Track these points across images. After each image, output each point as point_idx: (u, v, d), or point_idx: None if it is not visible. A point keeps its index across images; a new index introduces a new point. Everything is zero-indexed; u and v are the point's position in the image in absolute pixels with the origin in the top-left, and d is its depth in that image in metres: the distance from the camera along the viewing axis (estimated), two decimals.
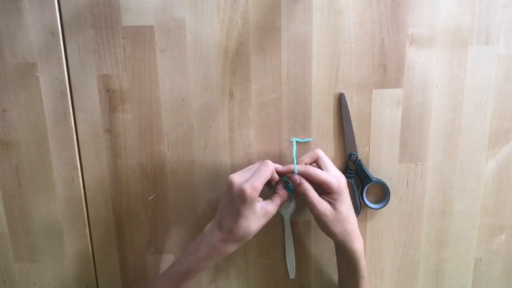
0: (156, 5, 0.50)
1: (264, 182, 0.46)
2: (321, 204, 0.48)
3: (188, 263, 0.48)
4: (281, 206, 0.50)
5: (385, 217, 0.57)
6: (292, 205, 0.53)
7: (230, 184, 0.46)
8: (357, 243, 0.50)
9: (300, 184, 0.48)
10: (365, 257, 0.52)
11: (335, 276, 0.59)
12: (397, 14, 0.51)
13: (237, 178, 0.46)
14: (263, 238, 0.58)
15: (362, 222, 0.57)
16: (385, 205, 0.56)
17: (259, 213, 0.46)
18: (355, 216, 0.50)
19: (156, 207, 0.56)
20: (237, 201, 0.45)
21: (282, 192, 0.49)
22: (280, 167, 0.50)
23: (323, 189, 0.49)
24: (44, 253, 0.57)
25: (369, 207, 0.55)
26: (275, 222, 0.57)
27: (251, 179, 0.46)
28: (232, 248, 0.47)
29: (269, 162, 0.48)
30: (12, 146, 0.53)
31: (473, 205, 0.57)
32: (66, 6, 0.49)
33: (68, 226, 0.56)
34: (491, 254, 0.59)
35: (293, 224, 0.57)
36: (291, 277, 0.58)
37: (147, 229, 0.57)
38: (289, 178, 0.50)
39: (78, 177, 0.54)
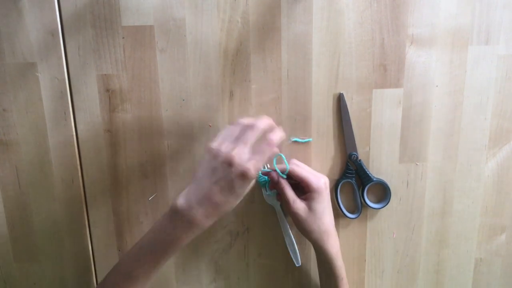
0: (156, 5, 0.50)
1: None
2: (295, 202, 0.49)
3: (163, 241, 0.44)
4: (268, 198, 0.54)
5: (385, 217, 0.57)
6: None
7: (229, 161, 0.42)
8: (331, 244, 0.50)
9: (278, 182, 0.50)
10: (341, 259, 0.52)
11: None
12: (397, 14, 0.51)
13: (238, 155, 0.42)
14: (263, 238, 0.58)
15: (362, 222, 0.57)
16: (386, 205, 0.56)
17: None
18: (332, 218, 0.51)
19: (156, 207, 0.56)
20: (236, 180, 0.42)
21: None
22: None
23: (303, 188, 0.50)
24: (44, 253, 0.57)
25: (370, 207, 0.55)
26: (274, 222, 0.57)
27: (254, 159, 0.42)
28: (211, 223, 0.44)
29: (274, 146, 0.44)
30: (12, 146, 0.53)
31: (473, 205, 0.57)
32: (66, 6, 0.49)
33: (68, 226, 0.56)
34: (491, 254, 0.59)
35: (290, 223, 0.57)
36: (296, 265, 0.57)
37: (147, 229, 0.57)
38: (268, 175, 0.51)
39: (78, 177, 0.54)
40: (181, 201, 0.44)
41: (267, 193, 0.54)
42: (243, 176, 0.41)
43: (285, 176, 0.50)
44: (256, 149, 0.43)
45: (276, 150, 0.44)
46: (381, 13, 0.50)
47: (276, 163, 0.51)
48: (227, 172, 0.42)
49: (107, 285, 0.47)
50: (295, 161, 0.53)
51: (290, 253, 0.57)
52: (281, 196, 0.51)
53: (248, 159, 0.42)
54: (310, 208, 0.49)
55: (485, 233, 0.58)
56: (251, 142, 0.43)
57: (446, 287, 0.60)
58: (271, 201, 0.55)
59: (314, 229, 0.49)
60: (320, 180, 0.50)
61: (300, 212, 0.49)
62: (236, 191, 0.43)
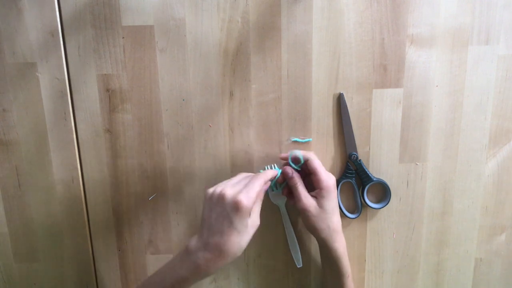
0: (156, 5, 0.50)
1: (259, 194, 0.45)
2: (307, 198, 0.49)
3: (172, 280, 0.44)
4: (274, 197, 0.54)
5: (385, 217, 0.57)
6: (283, 196, 0.54)
7: (221, 197, 0.43)
8: (338, 243, 0.51)
9: (292, 177, 0.50)
10: (347, 256, 0.53)
11: None
12: (397, 14, 0.51)
13: (229, 190, 0.43)
14: (263, 238, 0.58)
15: (362, 222, 0.57)
16: (386, 205, 0.56)
17: (250, 226, 0.44)
18: (339, 218, 0.51)
19: (156, 207, 0.56)
20: (231, 213, 0.42)
21: (259, 196, 0.48)
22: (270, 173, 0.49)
23: (313, 184, 0.50)
24: (44, 253, 0.57)
25: (370, 206, 0.55)
26: (274, 222, 0.57)
27: (245, 190, 0.43)
28: (219, 267, 0.43)
29: (261, 174, 0.47)
30: (12, 146, 0.53)
31: (473, 205, 0.57)
32: (66, 6, 0.49)
33: (68, 226, 0.56)
34: (491, 254, 0.59)
35: (293, 224, 0.57)
36: (298, 266, 0.57)
37: (147, 229, 0.57)
38: (282, 169, 0.51)
39: (78, 177, 0.54)
40: (192, 243, 0.45)
41: (274, 192, 0.54)
42: (237, 208, 0.42)
43: (299, 168, 0.50)
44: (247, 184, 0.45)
45: (264, 178, 0.46)
46: (381, 13, 0.50)
47: (292, 160, 0.51)
48: (222, 209, 0.43)
49: None
50: (313, 154, 0.52)
51: (292, 253, 0.57)
52: (292, 192, 0.51)
53: (240, 192, 0.43)
54: (320, 205, 0.49)
55: (485, 233, 0.58)
56: (243, 182, 0.45)
57: (446, 287, 0.60)
58: (277, 200, 0.55)
59: (324, 227, 0.49)
60: (330, 178, 0.50)
61: (311, 209, 0.49)
62: (235, 226, 0.42)
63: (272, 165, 0.53)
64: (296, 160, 0.51)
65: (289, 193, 0.52)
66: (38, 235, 0.56)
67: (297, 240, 0.57)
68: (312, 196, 0.50)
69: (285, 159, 0.52)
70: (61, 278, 0.58)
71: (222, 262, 0.43)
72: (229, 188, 0.44)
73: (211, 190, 0.45)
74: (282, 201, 0.55)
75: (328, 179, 0.49)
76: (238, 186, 0.45)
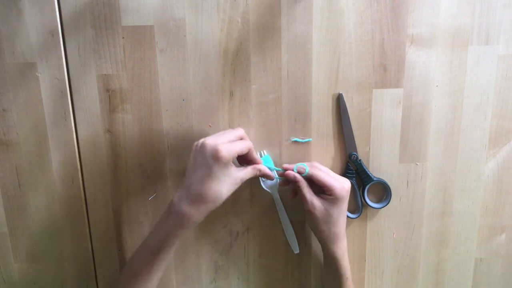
0: (156, 5, 0.50)
1: (239, 153, 0.46)
2: (313, 200, 0.49)
3: (159, 238, 0.47)
4: (266, 184, 0.55)
5: (385, 217, 0.57)
6: (275, 181, 0.54)
7: (203, 146, 0.44)
8: (338, 245, 0.51)
9: (296, 181, 0.50)
10: (348, 259, 0.53)
11: None
12: (397, 14, 0.51)
13: (210, 140, 0.45)
14: (263, 238, 0.58)
15: (362, 222, 0.57)
16: (387, 204, 0.56)
17: (232, 177, 0.45)
18: (344, 220, 0.51)
19: (156, 207, 0.56)
20: (210, 161, 0.43)
21: (259, 167, 0.49)
22: (257, 160, 0.50)
23: (324, 190, 0.50)
24: (44, 253, 0.57)
25: (371, 206, 0.55)
26: (274, 222, 0.57)
27: (228, 144, 0.45)
28: (201, 215, 0.45)
29: (248, 142, 0.48)
30: (12, 146, 0.53)
31: (473, 205, 0.57)
32: (66, 6, 0.49)
33: (68, 226, 0.56)
34: (491, 254, 0.59)
35: (293, 223, 0.57)
36: (295, 252, 0.57)
37: (147, 229, 0.57)
38: (285, 174, 0.51)
39: (78, 177, 0.54)
40: (175, 197, 0.46)
41: (266, 180, 0.54)
42: (215, 156, 0.43)
43: (295, 170, 0.50)
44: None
45: (250, 143, 0.48)
46: (381, 13, 0.50)
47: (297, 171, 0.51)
48: (203, 156, 0.44)
49: (119, 284, 0.50)
50: (316, 164, 0.52)
51: (288, 240, 0.57)
52: (298, 193, 0.51)
53: (222, 143, 0.44)
54: (327, 210, 0.49)
55: (485, 233, 0.58)
56: (228, 137, 0.46)
57: (446, 287, 0.60)
58: (269, 186, 0.55)
59: (325, 229, 0.50)
60: (344, 188, 0.49)
61: (316, 212, 0.49)
62: (214, 172, 0.44)
63: (261, 152, 0.54)
64: (301, 171, 0.50)
65: (293, 190, 0.53)
66: (38, 235, 0.56)
67: (293, 227, 0.57)
68: (321, 198, 0.50)
69: (290, 169, 0.51)
70: (61, 278, 0.58)
71: (203, 208, 0.45)
72: (211, 138, 0.45)
73: (196, 142, 0.46)
74: (274, 187, 0.55)
75: (341, 189, 0.49)
76: (221, 138, 0.45)
